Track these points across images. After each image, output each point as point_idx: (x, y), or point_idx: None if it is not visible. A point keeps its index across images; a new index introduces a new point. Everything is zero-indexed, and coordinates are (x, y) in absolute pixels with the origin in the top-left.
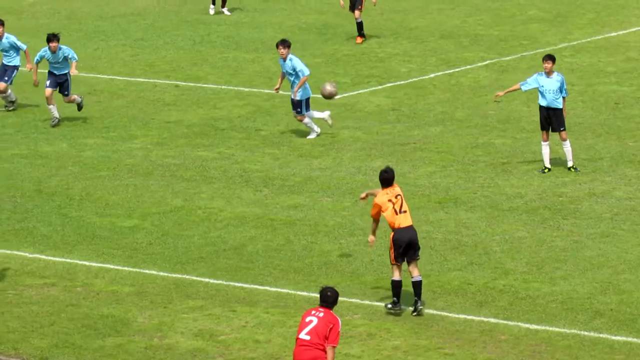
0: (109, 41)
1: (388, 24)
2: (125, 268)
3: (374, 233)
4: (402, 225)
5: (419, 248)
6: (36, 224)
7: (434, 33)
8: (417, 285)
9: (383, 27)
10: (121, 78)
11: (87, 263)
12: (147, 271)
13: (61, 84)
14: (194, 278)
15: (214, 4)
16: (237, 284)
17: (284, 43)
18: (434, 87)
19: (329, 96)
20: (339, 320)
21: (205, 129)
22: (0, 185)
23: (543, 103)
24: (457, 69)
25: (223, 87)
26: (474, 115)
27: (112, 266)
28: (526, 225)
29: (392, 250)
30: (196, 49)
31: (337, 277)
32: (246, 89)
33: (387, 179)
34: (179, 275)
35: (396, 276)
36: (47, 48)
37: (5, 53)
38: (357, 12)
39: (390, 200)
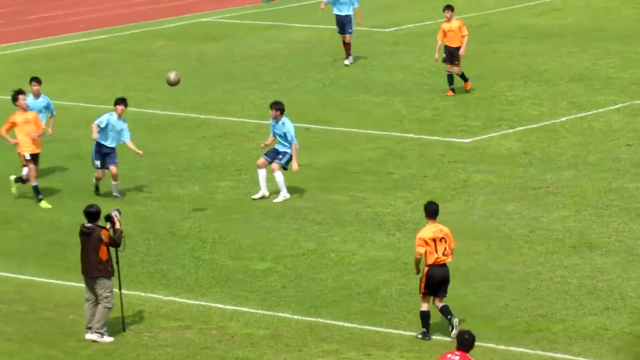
0: (239, 84)
1: (518, 67)
2: (260, 311)
3: (417, 267)
4: (438, 263)
5: (447, 284)
6: (170, 267)
7: (564, 76)
8: (445, 308)
9: (513, 70)
10: (252, 121)
11: (221, 306)
12: (281, 314)
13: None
14: (328, 321)
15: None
16: (371, 328)
17: (277, 105)
18: (565, 131)
19: (173, 83)
20: None
21: (337, 172)
22: (134, 228)
23: None
24: (588, 113)
25: (353, 130)
26: (607, 159)
27: (246, 309)
28: None
29: (424, 284)
30: (326, 92)
31: (471, 321)
32: (376, 132)
33: (431, 210)
34: (313, 319)
35: (424, 307)
36: (113, 113)
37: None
38: (456, 69)
39: (434, 238)
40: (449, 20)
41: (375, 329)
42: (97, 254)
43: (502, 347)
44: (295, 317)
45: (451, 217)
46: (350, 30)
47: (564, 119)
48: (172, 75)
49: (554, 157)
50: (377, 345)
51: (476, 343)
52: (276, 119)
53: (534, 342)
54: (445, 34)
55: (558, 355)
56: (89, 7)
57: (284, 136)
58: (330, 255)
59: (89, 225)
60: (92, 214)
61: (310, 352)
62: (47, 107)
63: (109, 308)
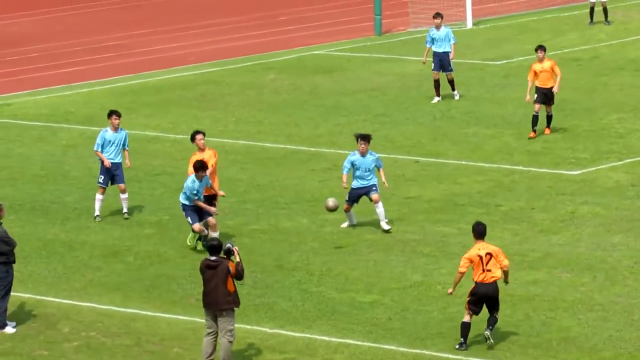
0: (350, 117)
1: (628, 99)
2: (365, 343)
3: (455, 286)
4: (484, 281)
5: (498, 303)
6: (276, 299)
7: None
8: (490, 320)
9: (623, 103)
10: None
11: (326, 338)
12: (386, 346)
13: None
14: (433, 353)
15: (438, 95)
16: (476, 359)
17: (368, 137)
18: None
19: (332, 209)
20: None
21: (445, 204)
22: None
23: None
24: None
25: (463, 162)
26: None
27: (351, 341)
28: None
29: (469, 298)
30: (436, 125)
31: (575, 353)
32: (486, 165)
33: (479, 231)
34: (419, 351)
35: (466, 319)
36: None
37: (115, 148)
38: (549, 109)
39: (479, 255)
40: (541, 60)
41: None
42: (226, 285)
43: None
44: (401, 349)
45: (558, 249)
46: (450, 68)
47: None
48: (331, 203)
49: None
50: None
51: None
52: (364, 154)
53: None
54: (536, 74)
55: None
56: (201, 39)
57: (371, 170)
58: (437, 287)
59: (215, 258)
60: (215, 247)
61: None
62: (123, 141)
63: (232, 341)
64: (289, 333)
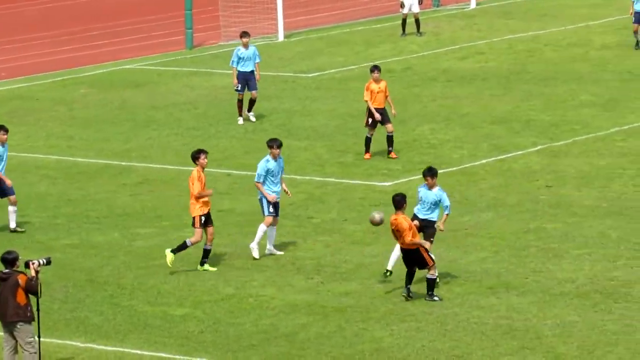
0: (161, 130)
1: (440, 110)
2: (177, 356)
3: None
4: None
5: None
6: (88, 314)
7: (486, 119)
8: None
9: (435, 114)
10: (173, 167)
11: (138, 352)
12: (198, 359)
13: None
14: None
15: (240, 115)
16: None
17: (275, 142)
18: (485, 173)
19: (378, 223)
20: None
21: (258, 218)
22: (52, 275)
23: None
24: (508, 155)
25: None
26: (526, 200)
27: (164, 354)
28: (577, 310)
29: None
30: (248, 137)
31: None
32: (298, 177)
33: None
34: None
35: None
36: None
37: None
38: (390, 126)
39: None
40: (377, 81)
41: None
42: (15, 298)
43: None
44: None
45: (371, 259)
46: (256, 87)
47: (484, 161)
48: (377, 217)
49: (473, 199)
50: None
51: None
52: (275, 158)
53: None
54: (373, 95)
55: None
56: (11, 54)
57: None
58: (249, 299)
59: (6, 271)
60: (8, 260)
61: None
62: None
63: (34, 353)
64: (100, 347)
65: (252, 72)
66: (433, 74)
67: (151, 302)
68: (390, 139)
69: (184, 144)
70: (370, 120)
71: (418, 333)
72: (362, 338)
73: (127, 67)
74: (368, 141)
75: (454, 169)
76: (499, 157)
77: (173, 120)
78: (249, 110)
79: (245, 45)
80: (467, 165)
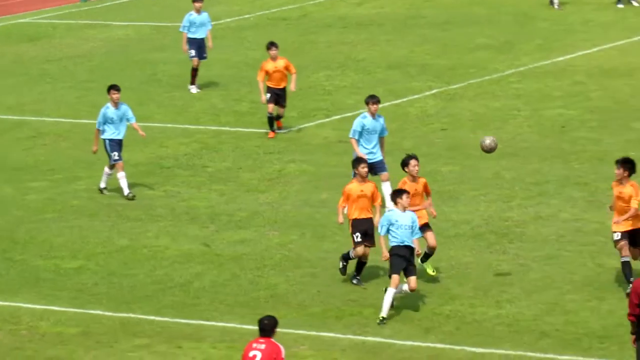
0: (55, 84)
1: (336, 56)
2: (71, 309)
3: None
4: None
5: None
6: None
7: (382, 64)
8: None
9: (330, 60)
10: (67, 120)
11: (31, 306)
12: (92, 311)
13: None
14: (140, 316)
15: (193, 83)
16: (183, 321)
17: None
18: None
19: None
20: (281, 347)
21: (152, 168)
22: None
23: None
24: (404, 99)
25: (169, 125)
26: (421, 144)
27: (57, 308)
28: (472, 251)
29: None
30: (143, 89)
31: (283, 309)
32: (193, 127)
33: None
34: (125, 315)
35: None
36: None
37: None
38: (282, 110)
39: None
40: (274, 59)
41: (187, 321)
42: None
43: (313, 333)
44: (107, 313)
45: (266, 207)
46: (205, 55)
47: (380, 106)
48: (488, 141)
49: None
50: (188, 337)
51: (288, 330)
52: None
53: (345, 327)
54: (268, 74)
55: (369, 338)
56: None
57: (380, 132)
58: (143, 250)
59: None
60: None
61: (121, 348)
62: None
63: None
64: None
65: (204, 39)
66: (329, 21)
67: (44, 255)
68: (278, 118)
69: (77, 97)
70: (269, 95)
71: (313, 279)
72: (258, 285)
73: (22, 20)
74: (271, 119)
75: (350, 114)
76: (394, 102)
77: (67, 73)
78: (192, 82)
79: (198, 11)
80: (361, 111)
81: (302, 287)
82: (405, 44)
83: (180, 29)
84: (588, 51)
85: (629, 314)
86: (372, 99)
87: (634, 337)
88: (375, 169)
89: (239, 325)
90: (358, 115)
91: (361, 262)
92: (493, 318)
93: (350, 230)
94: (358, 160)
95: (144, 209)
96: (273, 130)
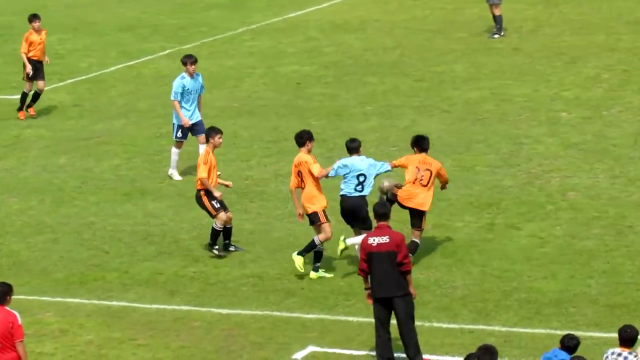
0: None
1: (67, 20)
2: None
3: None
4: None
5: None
6: None
7: (114, 26)
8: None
9: (62, 24)
10: None
11: None
12: None
13: None
14: None
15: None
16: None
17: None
18: (115, 80)
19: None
20: (16, 313)
21: None
22: None
23: None
24: (137, 61)
25: None
26: (157, 105)
27: None
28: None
29: None
30: None
31: (26, 276)
32: None
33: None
34: None
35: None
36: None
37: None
38: (42, 84)
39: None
40: (37, 31)
41: None
42: None
43: (58, 299)
44: None
45: (4, 174)
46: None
47: (113, 68)
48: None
49: (104, 107)
50: None
51: (32, 297)
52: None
53: (89, 292)
54: (34, 46)
55: (114, 303)
56: None
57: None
58: None
59: None
60: None
61: None
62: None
63: None
64: None
65: None
66: None
67: None
68: (37, 96)
69: None
70: (30, 73)
71: (55, 245)
72: (0, 252)
73: None
74: (24, 96)
75: (83, 77)
76: (127, 64)
77: None
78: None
79: None
80: (96, 74)
81: (45, 254)
82: (137, 5)
83: None
84: (320, 6)
85: (359, 270)
86: (190, 59)
87: (367, 292)
88: (194, 130)
89: None
90: (90, 78)
91: (227, 228)
92: (238, 278)
93: (204, 200)
94: (215, 131)
95: None
96: (25, 110)
